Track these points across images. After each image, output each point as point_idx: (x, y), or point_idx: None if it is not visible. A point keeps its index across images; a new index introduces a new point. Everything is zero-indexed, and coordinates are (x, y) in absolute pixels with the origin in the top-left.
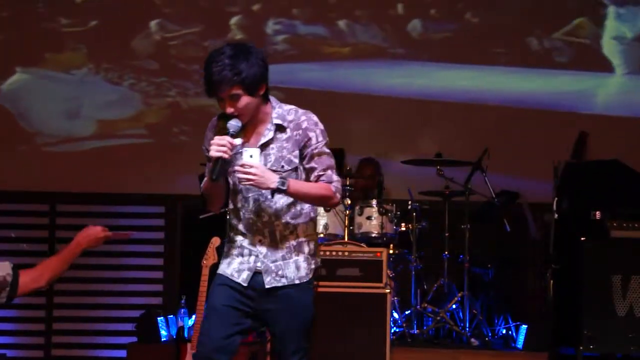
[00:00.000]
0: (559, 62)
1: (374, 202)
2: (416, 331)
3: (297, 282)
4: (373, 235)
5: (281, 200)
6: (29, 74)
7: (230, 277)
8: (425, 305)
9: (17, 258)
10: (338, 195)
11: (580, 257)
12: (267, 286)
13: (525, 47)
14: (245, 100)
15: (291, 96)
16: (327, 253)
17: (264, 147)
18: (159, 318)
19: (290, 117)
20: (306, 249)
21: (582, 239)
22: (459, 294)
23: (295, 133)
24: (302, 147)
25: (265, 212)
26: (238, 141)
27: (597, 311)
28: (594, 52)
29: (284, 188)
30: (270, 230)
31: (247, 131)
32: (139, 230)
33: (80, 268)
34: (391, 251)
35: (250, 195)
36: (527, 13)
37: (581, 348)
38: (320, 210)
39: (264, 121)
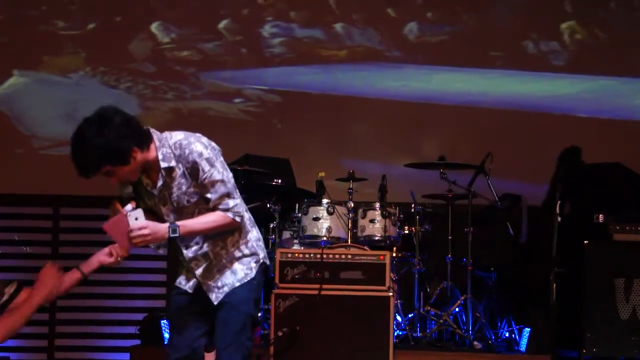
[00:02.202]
0: (555, 65)
1: (377, 205)
2: (419, 334)
3: (237, 284)
4: (376, 238)
5: None
6: (26, 76)
7: (178, 285)
8: (429, 308)
9: (19, 261)
10: (237, 219)
11: (583, 261)
12: (215, 302)
13: (522, 50)
14: (121, 170)
15: (288, 99)
16: (331, 256)
17: (164, 189)
18: (162, 321)
19: (177, 152)
20: (238, 254)
21: (585, 242)
22: (462, 297)
23: (186, 167)
24: (197, 178)
25: (192, 238)
26: (129, 207)
27: (600, 314)
28: (589, 55)
29: (177, 234)
30: (203, 253)
31: (150, 175)
32: None
33: None
34: (394, 254)
35: (169, 216)
36: (522, 16)
37: (584, 351)
38: (324, 213)
39: (157, 163)
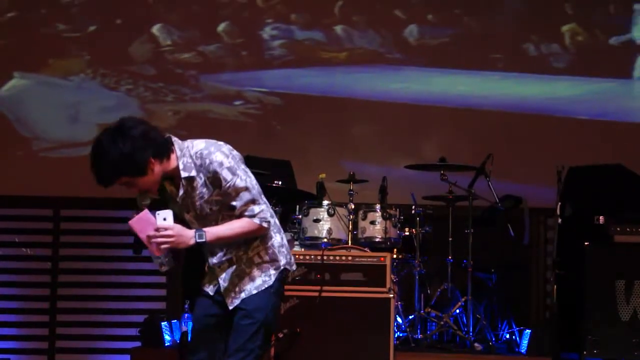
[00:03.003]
0: (556, 68)
1: (378, 206)
2: (420, 336)
3: (254, 291)
4: (377, 239)
5: None
6: (27, 79)
7: (203, 287)
8: (429, 309)
9: (20, 263)
10: (264, 224)
11: (584, 262)
12: (230, 307)
13: (523, 52)
14: (139, 181)
15: (289, 101)
16: (331, 258)
17: (186, 197)
18: (162, 323)
19: (198, 162)
20: (257, 260)
21: (586, 243)
22: (463, 299)
23: (207, 177)
24: (219, 187)
25: (217, 245)
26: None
27: (601, 316)
28: (590, 57)
29: (203, 240)
30: (227, 258)
31: (175, 182)
32: None
33: (83, 273)
34: (395, 256)
35: (194, 223)
36: (523, 19)
37: (585, 353)
38: (324, 214)
39: (178, 172)
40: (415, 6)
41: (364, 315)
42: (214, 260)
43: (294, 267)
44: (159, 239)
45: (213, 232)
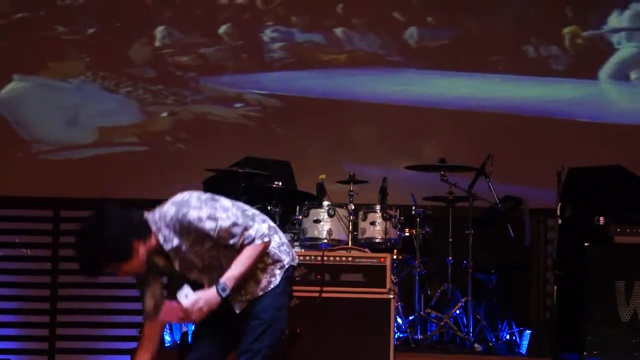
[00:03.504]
0: (555, 70)
1: (378, 207)
2: (420, 336)
3: (260, 293)
4: (377, 240)
5: (228, 262)
6: (26, 81)
7: None
8: (429, 310)
9: (20, 263)
10: (266, 239)
11: (584, 263)
12: (237, 311)
13: (522, 54)
14: (125, 266)
15: (289, 104)
16: (331, 259)
17: (182, 263)
18: None
19: (177, 228)
20: (261, 265)
21: (586, 244)
22: (463, 300)
23: (191, 236)
24: (209, 237)
25: (218, 270)
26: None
27: (601, 317)
28: (589, 59)
29: (227, 293)
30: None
31: (163, 255)
32: None
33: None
34: (395, 257)
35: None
36: (523, 21)
37: (585, 354)
38: (324, 215)
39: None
40: (415, 8)
41: (364, 316)
42: None
43: (297, 261)
44: (193, 317)
45: (230, 277)
